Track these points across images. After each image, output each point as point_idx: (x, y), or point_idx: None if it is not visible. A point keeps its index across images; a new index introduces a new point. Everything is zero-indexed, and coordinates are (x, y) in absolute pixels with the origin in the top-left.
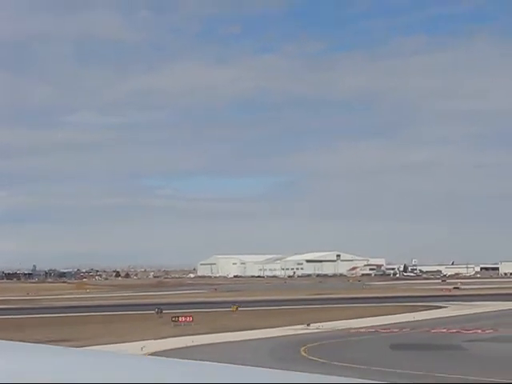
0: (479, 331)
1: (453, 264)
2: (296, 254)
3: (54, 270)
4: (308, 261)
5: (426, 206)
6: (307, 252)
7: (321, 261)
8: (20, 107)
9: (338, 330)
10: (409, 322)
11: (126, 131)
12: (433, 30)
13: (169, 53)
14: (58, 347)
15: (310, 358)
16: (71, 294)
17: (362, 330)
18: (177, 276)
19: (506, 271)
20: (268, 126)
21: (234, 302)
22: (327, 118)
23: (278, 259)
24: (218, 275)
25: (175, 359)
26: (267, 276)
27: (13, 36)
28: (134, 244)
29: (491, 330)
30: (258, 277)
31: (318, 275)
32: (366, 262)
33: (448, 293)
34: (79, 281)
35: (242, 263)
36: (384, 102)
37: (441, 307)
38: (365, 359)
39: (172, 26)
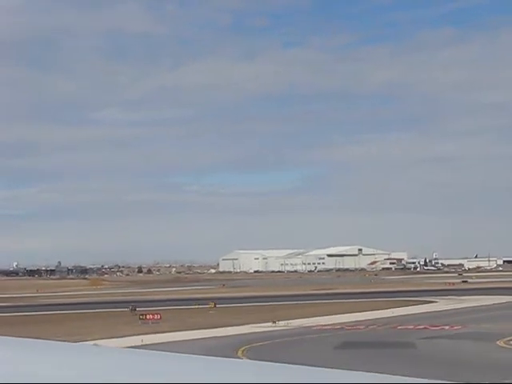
0: (446, 327)
1: (476, 257)
2: (318, 248)
3: (78, 267)
4: (329, 255)
5: (451, 199)
6: (330, 246)
7: (342, 255)
8: (47, 103)
9: (303, 327)
10: (384, 317)
11: (153, 127)
12: (459, 23)
13: (196, 47)
14: (60, 343)
15: (242, 358)
16: (79, 290)
17: (326, 328)
18: (198, 271)
19: None
20: (296, 121)
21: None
22: (355, 112)
23: (299, 254)
24: (238, 270)
25: (181, 354)
26: (287, 271)
27: (40, 31)
28: (161, 240)
29: (459, 326)
30: (279, 272)
31: (338, 270)
32: (386, 256)
33: (451, 287)
34: (95, 277)
35: (263, 258)
36: (411, 95)
37: (431, 302)
38: (299, 359)
39: (199, 19)
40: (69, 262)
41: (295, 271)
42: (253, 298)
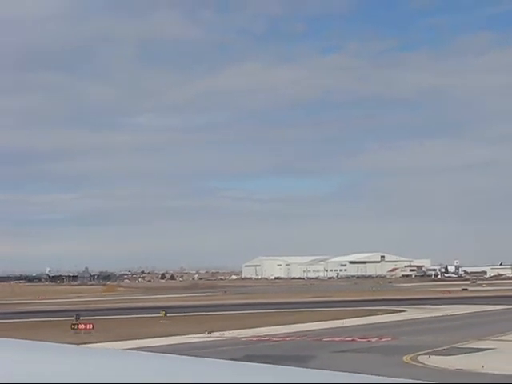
0: (374, 339)
1: (501, 264)
2: (341, 255)
3: (103, 273)
4: (351, 262)
5: (482, 205)
6: (354, 253)
7: (364, 262)
8: (83, 109)
9: (232, 338)
10: (328, 328)
11: (189, 132)
12: (498, 27)
13: (232, 53)
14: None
15: None
16: (85, 297)
17: (253, 339)
18: (222, 278)
19: None
20: (332, 126)
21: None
22: (389, 118)
23: (321, 260)
24: (259, 277)
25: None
26: (308, 277)
27: (76, 38)
28: (189, 245)
29: (389, 338)
30: (299, 278)
31: (358, 277)
32: (408, 263)
33: (446, 295)
34: (111, 283)
35: (286, 264)
36: (447, 101)
37: (400, 311)
38: None
39: (235, 25)
40: (99, 268)
41: (316, 278)
42: (230, 306)
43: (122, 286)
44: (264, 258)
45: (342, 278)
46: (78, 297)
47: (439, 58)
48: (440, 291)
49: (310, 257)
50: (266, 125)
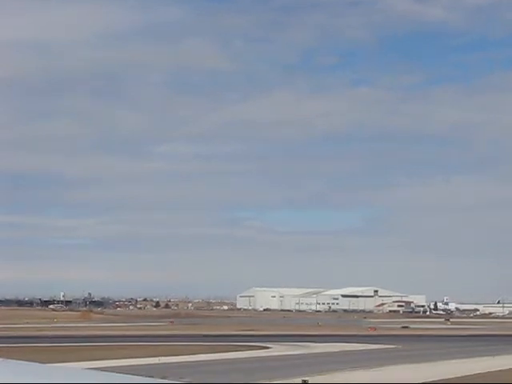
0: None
1: (498, 303)
2: (337, 287)
3: (107, 299)
4: (344, 295)
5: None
6: (351, 286)
7: (357, 296)
8: (112, 136)
9: None
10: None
11: (216, 161)
12: None
13: (263, 83)
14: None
15: None
16: (49, 323)
17: None
18: (217, 308)
19: None
20: (360, 160)
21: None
22: (421, 152)
23: (315, 293)
24: (250, 308)
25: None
26: (296, 310)
27: (107, 65)
28: (203, 275)
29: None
30: (288, 311)
31: (345, 311)
32: (404, 299)
33: (369, 332)
34: (88, 310)
35: (280, 296)
36: (480, 137)
37: (263, 348)
38: None
39: (267, 56)
40: (109, 294)
41: (303, 311)
42: (121, 337)
43: (102, 313)
44: (258, 289)
45: (335, 311)
46: (38, 323)
47: (469, 94)
48: (384, 328)
49: (305, 289)
50: (294, 156)
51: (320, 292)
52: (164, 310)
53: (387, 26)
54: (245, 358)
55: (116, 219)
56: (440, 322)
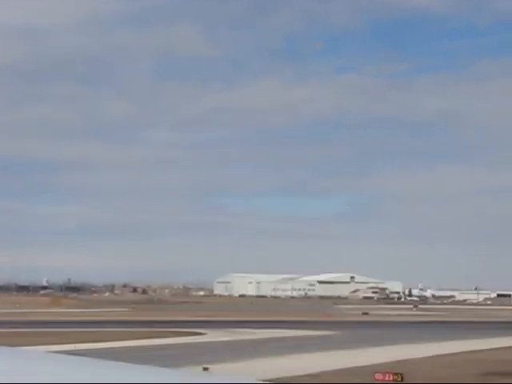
0: None
1: (476, 289)
2: (313, 274)
3: (87, 284)
4: (320, 282)
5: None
6: (331, 272)
7: (333, 282)
8: (96, 122)
9: None
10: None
11: (202, 148)
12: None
13: (247, 70)
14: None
15: None
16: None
17: None
18: (193, 294)
19: None
20: (346, 147)
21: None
22: (407, 140)
23: (291, 279)
24: (226, 294)
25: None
26: (271, 296)
27: (94, 51)
28: (187, 260)
29: None
30: (263, 297)
31: (321, 297)
32: (380, 285)
33: (324, 318)
34: (60, 296)
35: (257, 282)
36: (467, 125)
37: (198, 334)
38: None
39: (252, 42)
40: (91, 280)
41: (278, 297)
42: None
43: (75, 299)
44: (235, 274)
45: (308, 297)
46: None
47: (456, 82)
48: (349, 315)
49: (283, 275)
50: (278, 143)
51: (297, 278)
52: (140, 295)
53: (374, 13)
54: (166, 344)
55: (101, 205)
56: (407, 309)
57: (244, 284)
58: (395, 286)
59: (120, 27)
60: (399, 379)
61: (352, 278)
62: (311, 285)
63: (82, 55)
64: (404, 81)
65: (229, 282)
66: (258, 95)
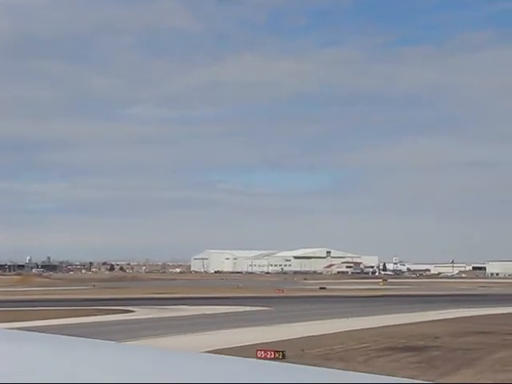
0: None
1: (452, 263)
2: (289, 249)
3: (65, 262)
4: (296, 257)
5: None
6: (306, 248)
7: (309, 257)
8: (82, 98)
9: None
10: None
11: (187, 124)
12: (501, 25)
13: (232, 45)
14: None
15: None
16: None
17: None
18: (171, 271)
19: (493, 271)
20: (331, 121)
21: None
22: (390, 113)
23: (267, 255)
24: (202, 270)
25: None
26: (246, 272)
27: (75, 27)
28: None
29: None
30: (239, 273)
31: (296, 272)
32: (356, 260)
33: (277, 294)
34: (30, 274)
35: (234, 258)
36: (449, 98)
37: (126, 311)
38: None
39: (237, 17)
40: (76, 257)
41: (252, 273)
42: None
43: (48, 278)
44: (212, 251)
45: (284, 273)
46: None
47: (440, 55)
48: (308, 289)
49: (260, 251)
50: (264, 118)
51: (274, 254)
52: (116, 273)
53: None
54: (86, 322)
55: (84, 183)
56: (376, 283)
57: (221, 260)
58: (371, 261)
59: (103, 3)
60: (280, 357)
61: (328, 252)
62: (287, 260)
63: (67, 32)
64: (388, 54)
65: (206, 259)
66: (243, 70)
